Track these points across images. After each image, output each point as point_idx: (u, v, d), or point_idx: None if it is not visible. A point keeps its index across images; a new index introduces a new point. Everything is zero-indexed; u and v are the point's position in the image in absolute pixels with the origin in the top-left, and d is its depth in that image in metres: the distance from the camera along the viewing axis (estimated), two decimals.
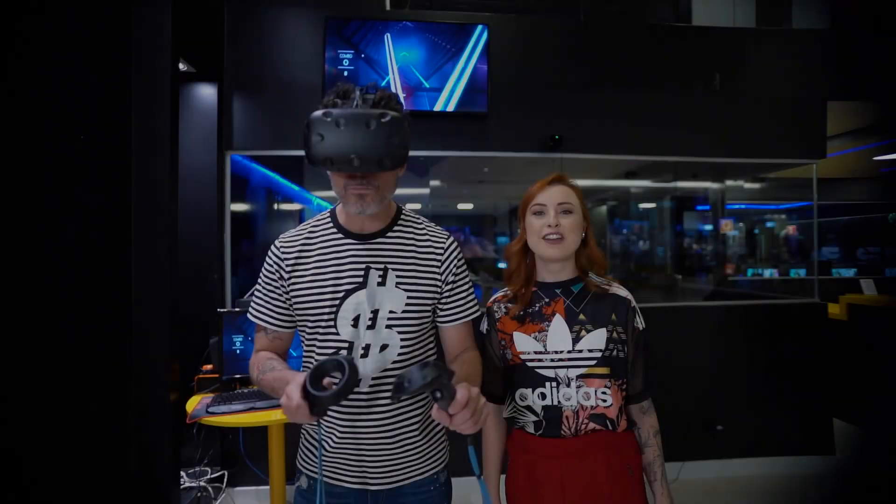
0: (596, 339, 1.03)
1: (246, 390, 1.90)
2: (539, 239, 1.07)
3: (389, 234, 0.99)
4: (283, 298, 0.99)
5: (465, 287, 1.04)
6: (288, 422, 1.70)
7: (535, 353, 1.05)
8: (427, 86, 2.41)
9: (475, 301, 1.05)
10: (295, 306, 0.97)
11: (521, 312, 1.09)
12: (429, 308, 0.99)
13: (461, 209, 7.20)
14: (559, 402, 1.03)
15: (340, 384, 0.74)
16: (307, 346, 0.99)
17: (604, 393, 1.02)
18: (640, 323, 1.09)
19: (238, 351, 1.97)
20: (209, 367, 2.05)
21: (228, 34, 2.33)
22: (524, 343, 1.06)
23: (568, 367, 1.03)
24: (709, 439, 2.63)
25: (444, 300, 1.01)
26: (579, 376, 1.02)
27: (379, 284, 0.94)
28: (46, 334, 1.44)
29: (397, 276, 0.96)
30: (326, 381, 0.79)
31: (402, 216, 1.02)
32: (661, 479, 1.06)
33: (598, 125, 2.66)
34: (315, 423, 0.83)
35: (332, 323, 0.94)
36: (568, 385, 1.03)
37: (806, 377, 2.73)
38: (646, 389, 1.09)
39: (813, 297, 2.86)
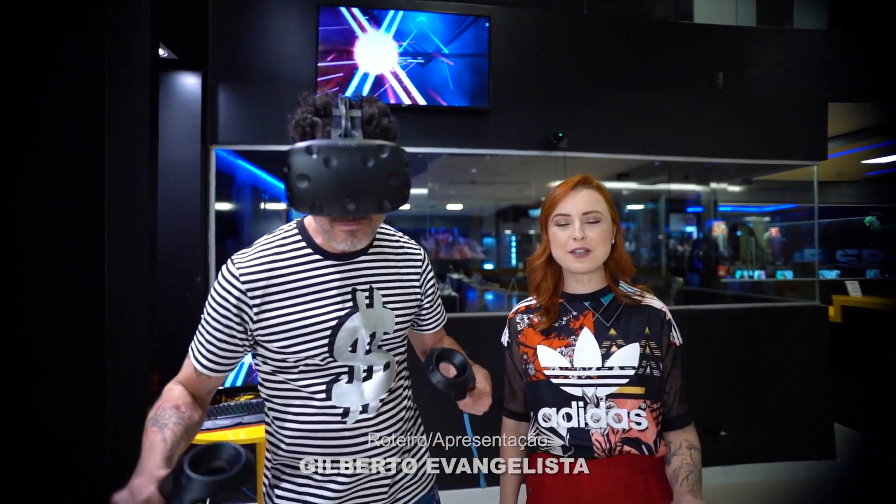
0: (628, 356, 0.94)
1: (232, 403, 1.75)
2: (565, 253, 0.97)
3: (371, 251, 0.90)
4: (235, 341, 0.81)
5: (439, 294, 1.05)
6: None
7: (561, 368, 0.95)
8: (447, 52, 2.30)
9: (442, 308, 1.08)
10: (273, 345, 0.81)
11: (547, 326, 1.01)
12: (411, 323, 0.97)
13: (451, 210, 7.13)
14: (587, 423, 0.93)
15: (233, 470, 0.57)
16: (290, 379, 0.84)
17: (637, 415, 0.92)
18: (676, 338, 0.99)
19: None
20: None
21: (214, 20, 2.19)
22: (549, 358, 0.97)
23: (597, 385, 0.93)
24: (713, 445, 2.57)
25: (423, 311, 1.00)
26: (609, 396, 0.93)
27: (368, 306, 0.86)
28: (9, 343, 1.29)
29: (383, 296, 0.89)
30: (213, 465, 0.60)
31: (378, 230, 0.94)
32: (684, 480, 0.88)
33: (598, 124, 2.58)
34: None
35: (326, 353, 0.82)
36: (597, 405, 0.93)
37: (808, 381, 2.69)
38: (687, 413, 0.98)
39: (814, 300, 2.83)
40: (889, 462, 2.78)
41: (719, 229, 4.88)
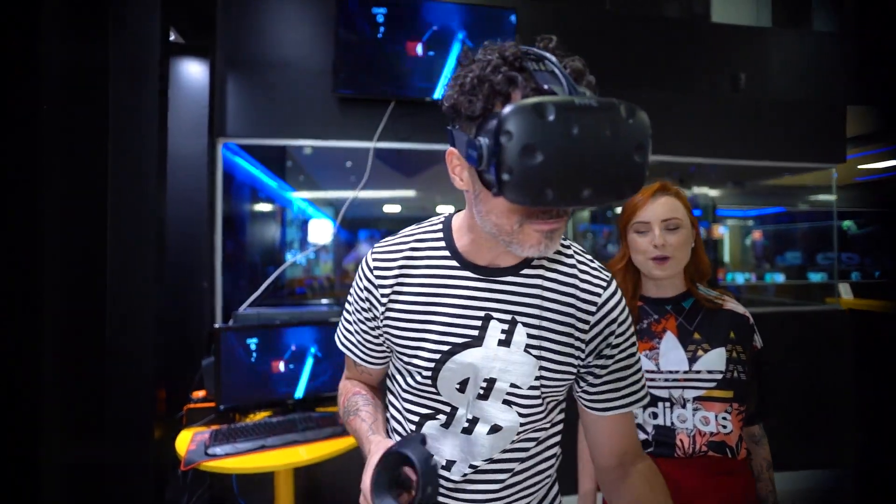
0: (715, 360, 0.97)
1: (250, 423, 1.58)
2: (646, 259, 1.01)
3: (527, 270, 0.68)
4: (374, 333, 0.73)
5: (629, 360, 0.69)
6: (301, 465, 1.42)
7: (648, 371, 0.98)
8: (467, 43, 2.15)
9: (641, 380, 0.71)
10: (388, 342, 0.73)
11: None
12: (567, 384, 0.70)
13: (441, 212, 7.03)
14: (673, 423, 0.96)
15: (416, 499, 0.58)
16: (402, 391, 0.74)
17: (724, 418, 0.95)
18: (758, 341, 1.03)
19: (239, 375, 1.65)
20: (200, 393, 1.72)
21: (222, 1, 2.01)
22: None
23: (684, 387, 0.96)
24: None
25: (592, 378, 0.69)
26: (697, 398, 0.96)
27: (500, 343, 0.66)
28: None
29: (529, 335, 0.66)
30: (406, 471, 0.62)
31: None
32: None
33: None
34: None
35: (429, 381, 0.68)
36: (683, 406, 0.96)
37: (833, 387, 2.68)
38: (760, 413, 1.04)
39: (836, 304, 2.82)
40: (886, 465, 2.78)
41: (717, 232, 4.90)
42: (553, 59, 0.52)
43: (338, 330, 0.80)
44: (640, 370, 0.71)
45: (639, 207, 1.01)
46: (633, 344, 0.70)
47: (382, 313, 0.70)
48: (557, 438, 0.76)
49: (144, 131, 1.52)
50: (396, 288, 0.70)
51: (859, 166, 4.49)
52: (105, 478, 1.49)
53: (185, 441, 1.52)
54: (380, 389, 0.84)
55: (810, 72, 2.72)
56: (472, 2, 2.19)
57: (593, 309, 0.67)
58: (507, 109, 0.46)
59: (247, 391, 1.66)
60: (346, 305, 0.77)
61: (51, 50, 1.30)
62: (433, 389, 0.68)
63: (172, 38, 1.77)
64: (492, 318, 0.66)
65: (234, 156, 2.57)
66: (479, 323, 0.66)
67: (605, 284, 0.69)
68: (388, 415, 0.78)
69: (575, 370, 0.69)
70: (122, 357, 1.51)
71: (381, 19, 2.06)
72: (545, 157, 0.45)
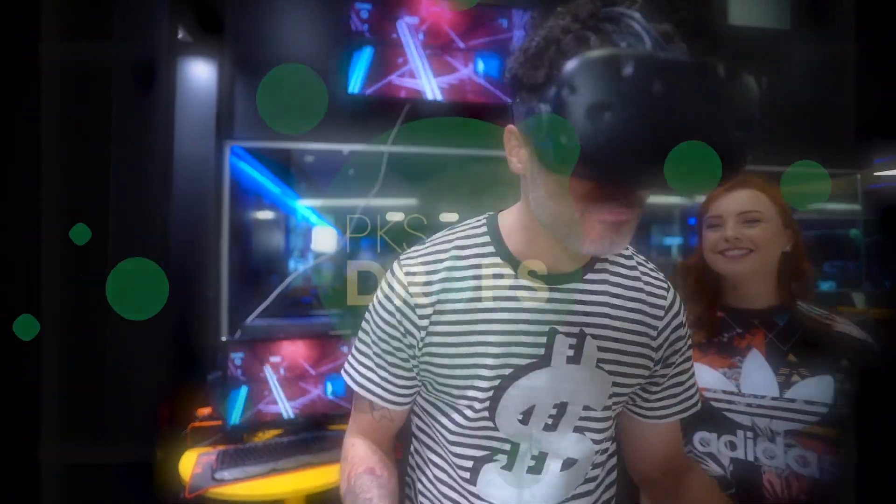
0: (818, 390, 0.80)
1: (259, 444, 1.49)
2: (714, 254, 0.90)
3: (591, 275, 0.60)
4: (407, 365, 0.61)
5: (687, 365, 0.67)
6: (319, 492, 1.33)
7: (725, 392, 0.85)
8: (462, 46, 2.05)
9: (695, 384, 0.69)
10: (426, 375, 0.60)
11: (705, 341, 0.90)
12: (627, 399, 0.65)
13: (444, 220, 6.94)
14: (756, 457, 0.80)
15: None
16: (447, 433, 0.61)
17: (834, 464, 0.79)
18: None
19: (247, 391, 1.56)
20: (206, 410, 1.62)
21: (231, 1, 1.94)
22: (709, 378, 0.87)
23: (772, 417, 0.81)
24: None
25: (653, 387, 0.65)
26: (790, 432, 0.80)
27: (570, 361, 0.57)
28: None
29: (600, 349, 0.58)
30: None
31: None
32: None
33: None
34: None
35: (485, 413, 0.57)
36: (771, 440, 0.80)
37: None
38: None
39: (866, 315, 2.74)
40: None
41: None
42: (638, 16, 0.44)
43: (348, 367, 0.65)
44: (694, 374, 0.68)
45: (713, 200, 0.91)
46: (690, 347, 0.67)
47: (422, 339, 0.58)
48: (615, 461, 0.68)
49: (149, 133, 1.44)
50: (438, 307, 0.57)
51: (875, 173, 4.41)
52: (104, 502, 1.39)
53: (190, 463, 1.42)
54: (392, 448, 0.69)
55: (830, 75, 2.66)
56: (485, 1, 2.12)
57: (661, 314, 0.62)
58: (575, 61, 0.38)
59: (255, 408, 1.56)
60: (361, 335, 0.63)
61: (53, 48, 1.23)
62: (489, 424, 0.58)
63: (180, 36, 1.70)
64: (557, 332, 0.57)
65: (239, 161, 2.50)
66: (543, 339, 0.57)
67: (666, 286, 0.65)
68: (418, 463, 0.67)
69: (643, 381, 0.63)
70: (122, 370, 1.42)
71: (392, 20, 1.99)
72: (617, 119, 0.37)
